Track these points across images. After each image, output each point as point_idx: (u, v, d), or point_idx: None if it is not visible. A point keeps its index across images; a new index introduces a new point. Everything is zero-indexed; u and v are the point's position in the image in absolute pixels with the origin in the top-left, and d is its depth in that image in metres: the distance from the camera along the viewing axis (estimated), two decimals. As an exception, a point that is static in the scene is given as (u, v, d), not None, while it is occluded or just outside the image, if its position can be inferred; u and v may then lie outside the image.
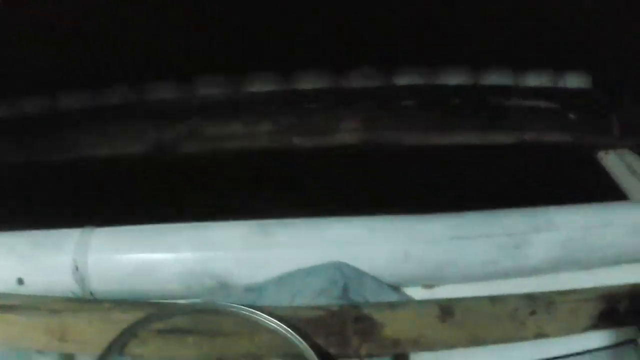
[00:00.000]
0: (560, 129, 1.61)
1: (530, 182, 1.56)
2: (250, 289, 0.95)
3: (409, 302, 1.01)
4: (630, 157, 1.60)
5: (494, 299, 0.98)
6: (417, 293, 1.06)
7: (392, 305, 0.94)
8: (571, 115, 1.62)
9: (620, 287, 1.01)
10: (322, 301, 0.91)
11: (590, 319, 1.01)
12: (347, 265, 0.99)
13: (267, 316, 0.84)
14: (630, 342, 1.01)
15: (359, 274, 1.00)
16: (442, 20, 1.51)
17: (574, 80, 1.75)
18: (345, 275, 0.98)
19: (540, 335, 1.00)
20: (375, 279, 1.02)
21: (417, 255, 1.05)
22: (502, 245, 1.06)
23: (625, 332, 1.03)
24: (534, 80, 1.74)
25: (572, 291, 1.04)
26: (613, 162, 1.60)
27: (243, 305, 0.84)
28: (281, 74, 1.59)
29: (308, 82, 1.61)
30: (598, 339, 1.05)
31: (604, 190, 1.40)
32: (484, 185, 1.49)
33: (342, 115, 1.56)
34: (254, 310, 0.83)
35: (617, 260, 1.14)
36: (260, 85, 1.59)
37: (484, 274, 1.08)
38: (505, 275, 1.09)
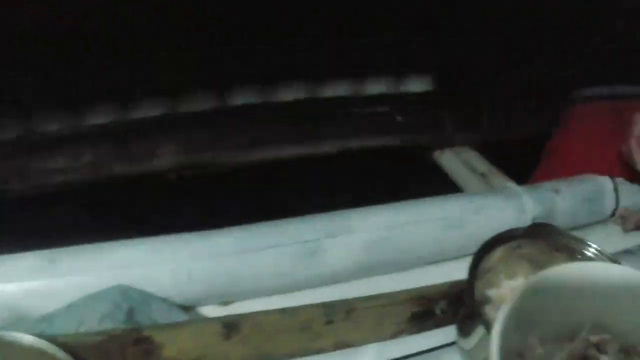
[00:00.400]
0: (388, 132, 1.61)
1: (357, 188, 1.53)
2: (42, 318, 0.90)
3: (191, 321, 0.93)
4: (467, 153, 1.62)
5: (284, 311, 0.88)
6: (213, 311, 0.99)
7: (173, 326, 0.87)
8: (399, 118, 1.60)
9: (435, 287, 0.95)
10: (107, 325, 0.86)
11: (400, 323, 0.94)
12: (132, 289, 0.94)
13: (48, 343, 0.79)
14: (451, 344, 0.93)
15: (145, 296, 0.95)
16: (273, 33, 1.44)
17: (415, 83, 1.75)
18: (129, 298, 0.93)
19: (341, 344, 0.92)
20: (162, 300, 0.96)
21: (201, 273, 0.97)
22: (295, 255, 0.99)
23: (445, 334, 0.95)
24: (374, 87, 1.72)
25: (377, 296, 0.95)
26: (449, 159, 1.62)
27: (29, 335, 0.78)
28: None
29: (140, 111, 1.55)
30: (416, 343, 0.96)
31: (438, 187, 1.37)
32: (307, 198, 1.42)
33: (160, 140, 1.52)
34: (35, 338, 0.78)
35: (432, 259, 1.08)
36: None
37: (278, 286, 1.00)
38: (305, 285, 1.01)
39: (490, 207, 1.09)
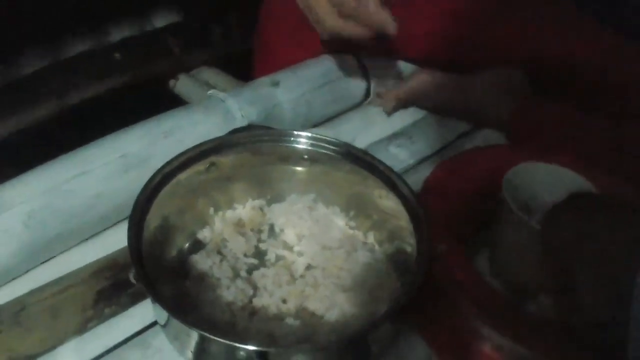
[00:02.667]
0: (108, 74, 1.34)
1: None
2: None
3: None
4: (204, 73, 1.42)
5: None
6: None
7: None
8: (117, 56, 1.35)
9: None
10: None
11: (86, 309, 0.67)
12: None
13: None
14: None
15: None
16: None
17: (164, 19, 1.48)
18: None
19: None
20: None
21: None
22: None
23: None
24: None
25: (51, 283, 0.69)
26: (185, 85, 1.40)
27: None
28: None
29: None
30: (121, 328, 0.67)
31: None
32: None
33: None
34: None
35: (121, 213, 0.78)
36: None
37: None
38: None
39: (185, 125, 0.81)
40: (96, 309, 0.66)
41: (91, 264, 0.70)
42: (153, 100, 1.21)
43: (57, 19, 1.27)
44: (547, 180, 0.72)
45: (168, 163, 0.68)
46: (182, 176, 0.69)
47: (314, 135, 0.73)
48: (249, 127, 0.80)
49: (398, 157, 0.91)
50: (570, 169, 0.72)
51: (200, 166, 0.71)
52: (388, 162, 0.83)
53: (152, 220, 0.64)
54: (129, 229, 0.61)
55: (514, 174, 0.71)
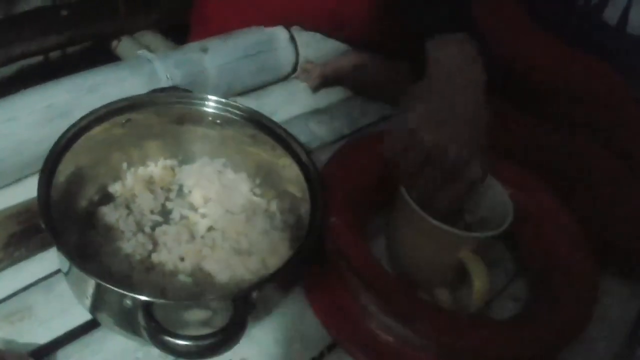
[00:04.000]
0: (53, 30, 1.28)
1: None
2: None
3: None
4: (146, 37, 1.38)
5: None
6: None
7: None
8: (64, 12, 1.29)
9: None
10: None
11: None
12: None
13: None
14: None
15: None
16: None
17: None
18: None
19: None
20: None
21: None
22: None
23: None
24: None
25: None
26: (127, 48, 1.36)
27: None
28: None
29: None
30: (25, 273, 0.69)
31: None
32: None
33: None
34: None
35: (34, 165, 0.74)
36: None
37: None
38: None
39: (111, 82, 0.82)
40: (6, 252, 0.67)
41: (6, 208, 0.71)
42: (95, 59, 1.20)
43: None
44: None
45: (85, 116, 0.68)
46: (97, 129, 0.69)
47: (228, 101, 0.75)
48: (169, 89, 0.80)
49: (316, 133, 0.93)
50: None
51: (116, 121, 0.71)
52: (306, 137, 0.87)
53: (65, 170, 0.65)
54: (40, 178, 0.61)
55: None
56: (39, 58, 1.25)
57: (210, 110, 0.75)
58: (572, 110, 0.89)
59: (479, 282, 0.63)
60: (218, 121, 0.75)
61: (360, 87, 0.98)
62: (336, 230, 0.65)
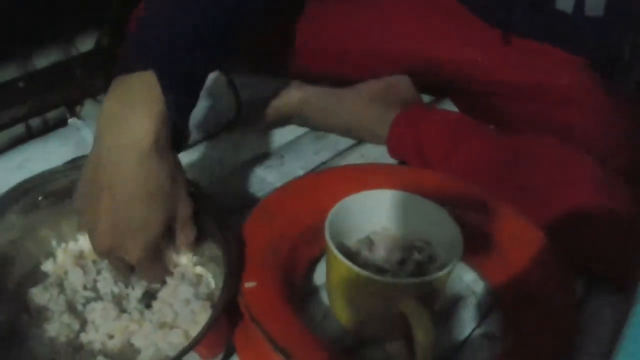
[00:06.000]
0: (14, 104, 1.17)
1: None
2: None
3: None
4: None
5: None
6: None
7: None
8: (21, 84, 1.20)
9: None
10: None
11: None
12: None
13: None
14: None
15: None
16: None
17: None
18: None
19: None
20: None
21: None
22: None
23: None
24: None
25: None
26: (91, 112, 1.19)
27: None
28: None
29: None
30: None
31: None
32: None
33: None
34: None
35: None
36: None
37: None
38: None
39: (39, 156, 0.83)
40: None
41: None
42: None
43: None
44: (389, 208, 0.68)
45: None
46: (15, 210, 0.68)
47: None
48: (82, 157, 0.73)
49: (265, 179, 0.87)
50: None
51: (32, 200, 0.69)
52: (254, 186, 0.83)
53: None
54: None
55: (345, 207, 0.66)
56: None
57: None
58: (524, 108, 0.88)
59: (421, 336, 0.56)
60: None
61: (310, 122, 0.90)
62: (249, 296, 0.60)
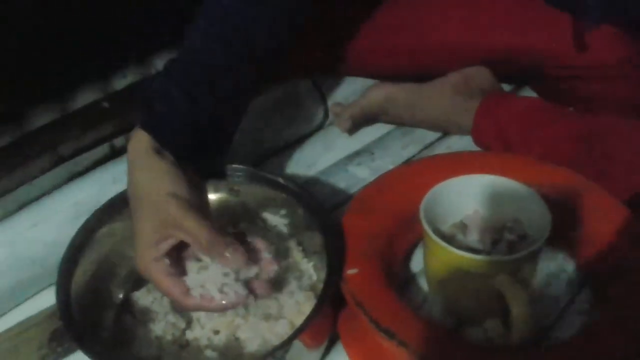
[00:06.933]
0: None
1: None
2: None
3: None
4: None
5: None
6: None
7: None
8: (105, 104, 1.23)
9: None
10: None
11: (42, 348, 0.73)
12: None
13: None
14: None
15: None
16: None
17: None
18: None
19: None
20: None
21: None
22: None
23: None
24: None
25: (12, 327, 0.75)
26: None
27: None
28: None
29: None
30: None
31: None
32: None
33: None
34: None
35: None
36: None
37: None
38: None
39: None
40: (50, 347, 0.71)
41: (47, 308, 0.76)
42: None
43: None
44: (479, 193, 0.71)
45: (98, 210, 0.72)
46: (117, 219, 0.73)
47: (237, 166, 0.77)
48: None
49: (357, 175, 0.91)
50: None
51: None
52: (346, 182, 0.87)
53: (88, 264, 0.69)
54: (57, 282, 0.66)
55: (437, 194, 0.69)
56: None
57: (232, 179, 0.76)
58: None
59: (517, 310, 0.59)
60: (235, 187, 0.75)
61: (395, 119, 0.95)
62: (352, 283, 0.64)
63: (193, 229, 0.59)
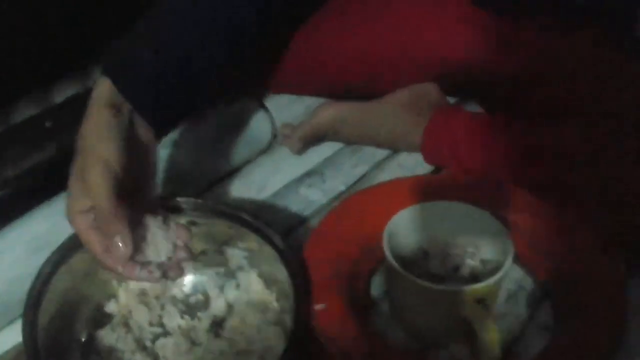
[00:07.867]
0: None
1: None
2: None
3: None
4: None
5: None
6: None
7: None
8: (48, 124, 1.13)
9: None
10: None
11: None
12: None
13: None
14: None
15: None
16: None
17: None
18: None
19: None
20: None
21: None
22: None
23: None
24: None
25: None
26: None
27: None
28: None
29: None
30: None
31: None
32: None
33: None
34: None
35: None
36: None
37: None
38: None
39: None
40: None
41: (10, 349, 0.71)
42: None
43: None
44: (439, 219, 0.71)
45: (58, 248, 0.69)
46: (76, 257, 0.69)
47: (196, 200, 0.74)
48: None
49: (309, 198, 0.89)
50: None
51: None
52: (298, 205, 0.85)
53: (50, 306, 0.66)
54: (23, 324, 0.63)
55: (398, 221, 0.69)
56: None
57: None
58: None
59: (485, 335, 0.60)
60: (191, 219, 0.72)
61: (344, 138, 0.94)
62: (320, 319, 0.64)
63: (99, 201, 0.58)
